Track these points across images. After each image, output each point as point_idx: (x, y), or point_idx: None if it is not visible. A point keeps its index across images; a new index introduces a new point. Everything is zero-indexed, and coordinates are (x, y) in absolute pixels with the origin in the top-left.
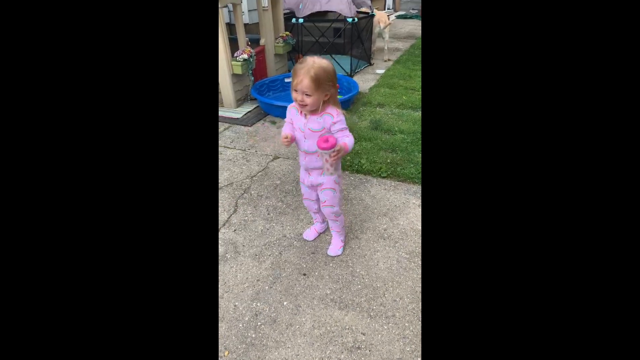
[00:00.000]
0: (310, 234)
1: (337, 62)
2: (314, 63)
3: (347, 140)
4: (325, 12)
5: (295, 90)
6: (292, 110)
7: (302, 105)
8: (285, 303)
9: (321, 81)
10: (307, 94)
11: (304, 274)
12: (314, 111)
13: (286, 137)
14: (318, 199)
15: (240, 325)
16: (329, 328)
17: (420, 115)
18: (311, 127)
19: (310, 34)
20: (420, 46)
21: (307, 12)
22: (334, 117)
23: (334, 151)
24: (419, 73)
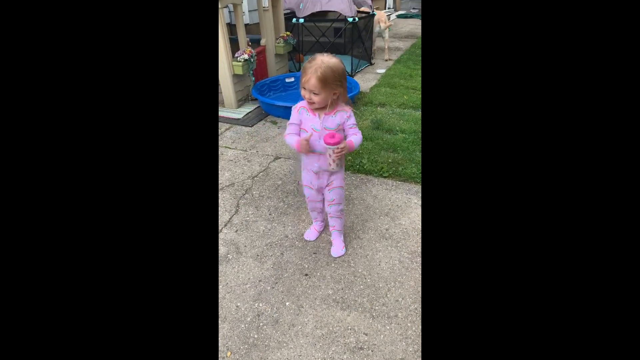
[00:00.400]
0: (311, 234)
1: None
2: (322, 62)
3: (354, 138)
4: (326, 12)
5: (304, 88)
6: (301, 111)
7: (310, 103)
8: (287, 303)
9: (328, 81)
10: (314, 93)
11: (306, 275)
12: (326, 110)
13: (306, 140)
14: (323, 199)
15: (243, 326)
16: (331, 328)
17: (421, 114)
18: (327, 126)
19: (311, 34)
20: (421, 45)
21: (308, 12)
22: (347, 112)
23: (338, 148)
24: (420, 72)
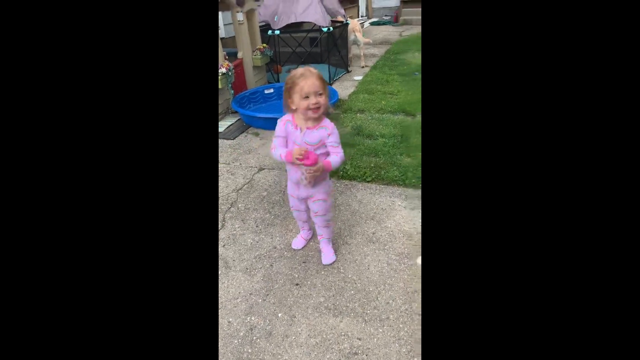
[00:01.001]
0: (298, 242)
1: None
2: (306, 68)
3: (332, 159)
4: (301, 23)
5: (307, 97)
6: (286, 123)
7: (317, 108)
8: (279, 315)
9: (323, 79)
10: (320, 94)
11: (297, 284)
12: (310, 124)
13: (300, 155)
14: (307, 209)
15: (236, 342)
16: (325, 336)
17: (400, 118)
18: (308, 141)
19: (287, 45)
20: (395, 51)
21: (283, 24)
22: (329, 129)
23: (310, 169)
24: (396, 77)
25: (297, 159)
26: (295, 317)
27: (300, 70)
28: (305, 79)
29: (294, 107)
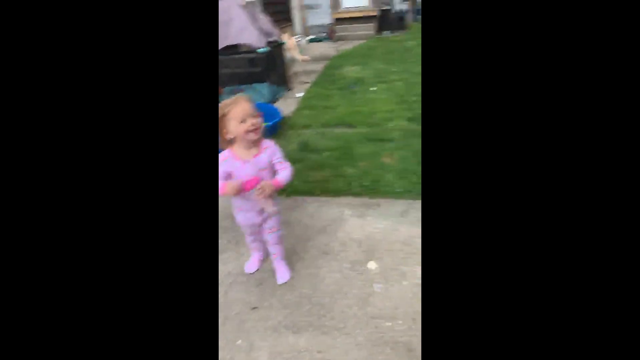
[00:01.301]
0: (252, 265)
1: (256, 90)
2: (234, 97)
3: (283, 174)
4: (237, 44)
5: (243, 122)
6: (228, 162)
7: (256, 129)
8: (238, 342)
9: (252, 102)
10: (254, 116)
11: (254, 308)
12: (255, 151)
13: (234, 185)
14: (261, 230)
15: None
16: (286, 356)
17: (341, 131)
18: (261, 167)
19: (227, 67)
20: (333, 66)
21: (220, 47)
22: (271, 147)
23: (257, 190)
24: (336, 92)
25: (240, 191)
26: (254, 342)
27: (228, 100)
28: (237, 104)
29: (230, 137)
